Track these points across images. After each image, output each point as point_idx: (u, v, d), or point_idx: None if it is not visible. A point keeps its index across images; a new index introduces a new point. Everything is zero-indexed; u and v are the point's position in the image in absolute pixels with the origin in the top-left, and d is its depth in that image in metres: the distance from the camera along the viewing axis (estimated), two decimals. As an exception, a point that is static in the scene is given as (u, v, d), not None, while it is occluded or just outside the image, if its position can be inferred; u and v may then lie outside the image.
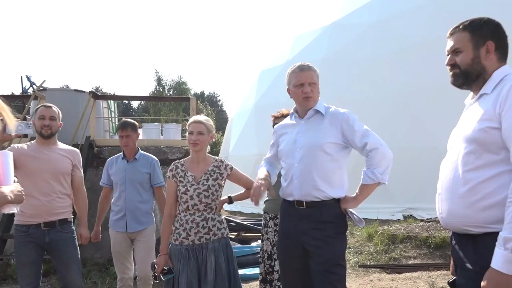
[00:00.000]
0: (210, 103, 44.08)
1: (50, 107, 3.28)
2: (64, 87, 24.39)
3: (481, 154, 1.61)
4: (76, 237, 3.37)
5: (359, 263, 5.79)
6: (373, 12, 10.98)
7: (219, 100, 50.32)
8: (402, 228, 6.87)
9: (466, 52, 1.75)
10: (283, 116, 3.63)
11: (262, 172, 2.67)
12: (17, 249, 3.17)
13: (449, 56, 1.82)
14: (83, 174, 3.48)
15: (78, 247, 3.35)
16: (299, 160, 2.46)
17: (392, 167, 2.40)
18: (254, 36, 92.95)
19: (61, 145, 3.38)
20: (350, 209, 2.44)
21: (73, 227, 3.36)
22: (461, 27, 1.78)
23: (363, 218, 2.50)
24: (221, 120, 38.91)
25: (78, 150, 3.46)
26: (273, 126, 3.54)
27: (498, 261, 1.49)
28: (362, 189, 2.40)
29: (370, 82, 9.87)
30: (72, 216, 3.38)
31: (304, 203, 2.43)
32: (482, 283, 1.52)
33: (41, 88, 7.81)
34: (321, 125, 2.47)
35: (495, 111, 1.59)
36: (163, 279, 2.76)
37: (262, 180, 2.53)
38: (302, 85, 2.47)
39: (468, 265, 1.64)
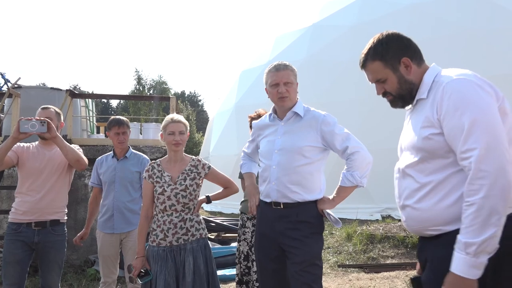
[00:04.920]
0: (191, 103, 43.79)
1: (46, 108, 3.26)
2: (40, 85, 23.91)
3: (431, 160, 1.62)
4: (66, 239, 3.31)
5: (338, 263, 5.83)
6: (353, 14, 11.09)
7: (200, 100, 50.07)
8: (381, 228, 6.94)
9: (389, 78, 1.76)
10: (260, 116, 3.61)
11: (251, 181, 2.75)
12: (5, 247, 3.15)
13: (376, 86, 1.82)
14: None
15: (65, 250, 3.30)
16: (277, 163, 2.44)
17: (371, 168, 2.41)
18: (235, 36, 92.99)
19: None
20: (327, 210, 2.44)
21: (65, 229, 3.32)
22: (368, 58, 1.77)
23: (342, 218, 2.51)
24: (202, 120, 38.72)
25: (79, 149, 3.38)
26: (250, 127, 3.52)
27: (459, 266, 1.46)
28: (339, 191, 2.40)
29: (350, 83, 9.95)
30: (66, 218, 3.32)
31: (281, 204, 2.43)
32: None
33: (16, 85, 7.63)
34: (300, 128, 2.46)
35: (434, 117, 1.59)
36: (140, 282, 2.71)
37: (255, 194, 2.61)
38: (277, 85, 2.46)
39: (433, 265, 1.63)
